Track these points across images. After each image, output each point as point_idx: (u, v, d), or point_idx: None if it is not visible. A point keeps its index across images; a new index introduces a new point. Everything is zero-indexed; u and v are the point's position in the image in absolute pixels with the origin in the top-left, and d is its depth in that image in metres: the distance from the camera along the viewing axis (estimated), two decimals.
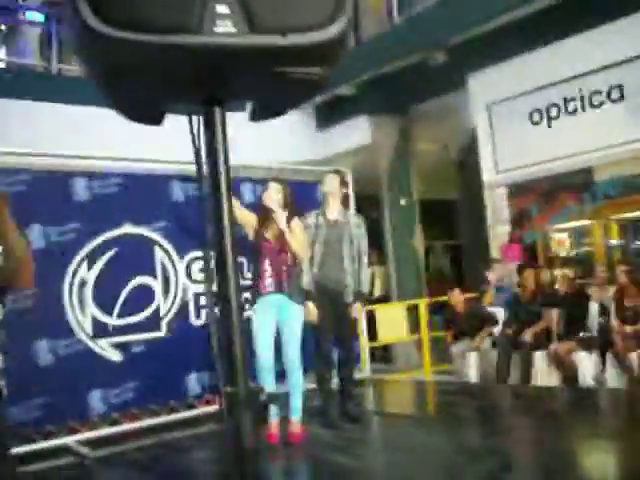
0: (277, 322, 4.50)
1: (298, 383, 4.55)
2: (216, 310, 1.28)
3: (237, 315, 1.20)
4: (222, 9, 1.03)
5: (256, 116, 1.28)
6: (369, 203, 9.71)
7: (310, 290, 4.79)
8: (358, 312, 5.18)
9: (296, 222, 4.55)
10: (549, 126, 7.74)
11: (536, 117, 7.84)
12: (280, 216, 4.47)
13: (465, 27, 7.75)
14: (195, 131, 1.24)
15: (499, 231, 8.40)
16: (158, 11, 1.01)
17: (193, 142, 1.26)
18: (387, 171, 9.67)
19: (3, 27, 10.17)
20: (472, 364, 7.17)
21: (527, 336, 6.60)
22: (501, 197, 8.39)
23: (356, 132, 9.40)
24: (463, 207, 11.47)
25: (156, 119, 1.25)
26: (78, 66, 9.48)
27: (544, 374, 6.47)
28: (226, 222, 1.20)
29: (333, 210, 5.04)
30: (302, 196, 5.45)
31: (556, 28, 7.19)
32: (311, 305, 4.73)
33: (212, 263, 1.26)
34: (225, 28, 1.02)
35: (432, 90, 8.76)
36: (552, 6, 6.99)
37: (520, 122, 7.95)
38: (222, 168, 1.20)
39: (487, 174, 8.38)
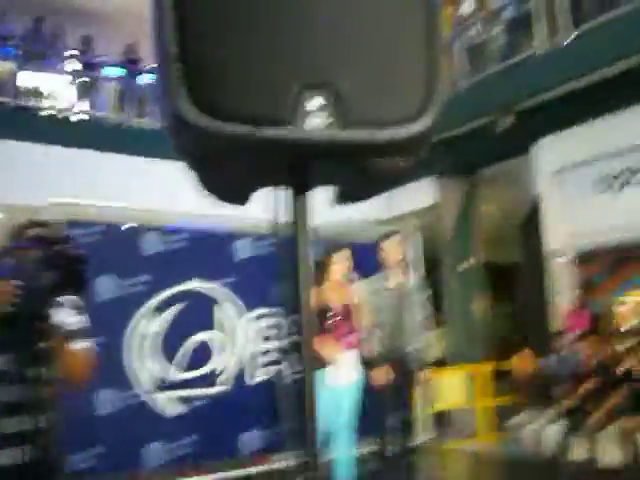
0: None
1: (348, 447, 4.55)
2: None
3: (310, 376, 1.20)
4: (317, 103, 1.05)
5: (339, 200, 1.30)
6: (431, 264, 9.65)
7: (374, 356, 4.77)
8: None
9: (356, 289, 4.63)
10: (617, 195, 7.59)
11: (603, 185, 7.71)
12: (354, 290, 4.58)
13: (534, 92, 7.74)
14: (275, 204, 1.26)
15: (561, 299, 8.21)
16: (253, 103, 1.04)
17: (273, 219, 1.28)
18: (451, 232, 9.61)
19: (83, 80, 10.62)
20: (530, 436, 6.92)
21: (594, 420, 6.30)
22: (564, 265, 8.22)
23: (423, 193, 9.41)
24: (526, 272, 11.26)
25: (243, 200, 1.28)
26: (152, 119, 9.86)
27: (610, 452, 6.19)
28: (304, 297, 1.21)
29: (396, 275, 5.02)
30: (366, 257, 5.42)
31: (624, 95, 7.11)
32: (379, 371, 4.71)
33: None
34: (319, 122, 1.04)
35: (498, 154, 8.74)
36: (621, 73, 6.93)
37: (586, 190, 7.83)
38: (303, 249, 1.21)
39: (551, 241, 8.24)
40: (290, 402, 1.28)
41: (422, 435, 6.63)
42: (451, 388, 8.04)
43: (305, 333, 1.21)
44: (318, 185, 1.22)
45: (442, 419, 9.16)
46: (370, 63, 1.08)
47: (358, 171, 1.16)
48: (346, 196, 1.30)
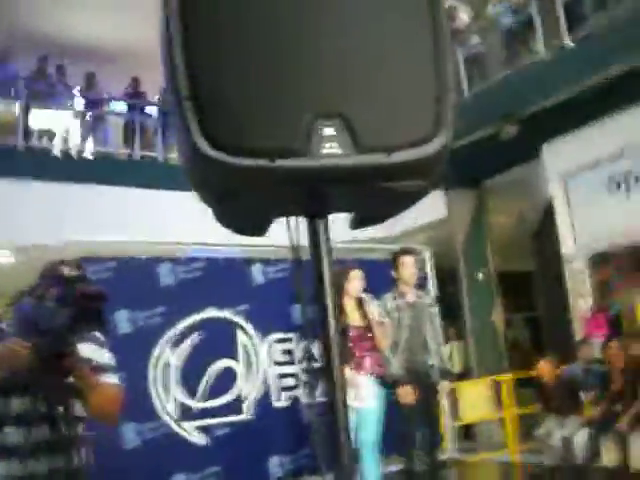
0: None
1: (374, 467, 4.56)
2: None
3: (342, 398, 1.20)
4: (329, 131, 1.07)
5: (355, 225, 1.31)
6: (445, 277, 9.62)
7: (400, 374, 4.75)
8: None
9: (377, 308, 4.62)
10: (628, 194, 7.56)
11: (613, 186, 7.68)
12: (373, 307, 4.58)
13: (536, 98, 7.75)
14: (293, 232, 1.28)
15: (580, 303, 8.15)
16: (267, 136, 1.05)
17: (291, 244, 1.30)
18: (463, 244, 9.60)
19: (88, 117, 10.74)
20: (560, 444, 6.85)
21: (624, 423, 6.23)
22: (580, 268, 8.17)
23: (431, 207, 9.41)
24: (541, 278, 11.21)
25: (261, 231, 1.29)
26: (158, 153, 9.96)
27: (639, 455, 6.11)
28: (330, 319, 1.22)
29: (411, 292, 5.02)
30: (375, 275, 5.40)
31: (629, 95, 7.10)
32: (406, 388, 4.69)
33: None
34: (331, 149, 1.06)
35: (505, 162, 8.73)
36: (626, 73, 6.93)
37: (597, 191, 7.80)
38: (327, 275, 1.22)
39: (565, 245, 8.21)
40: (317, 425, 1.29)
41: (450, 449, 6.58)
42: (475, 400, 7.98)
43: (335, 356, 1.22)
44: (334, 211, 1.23)
45: (469, 432, 9.10)
46: (378, 88, 1.10)
47: (374, 196, 1.17)
48: (362, 220, 1.31)
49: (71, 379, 2.34)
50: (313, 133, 1.06)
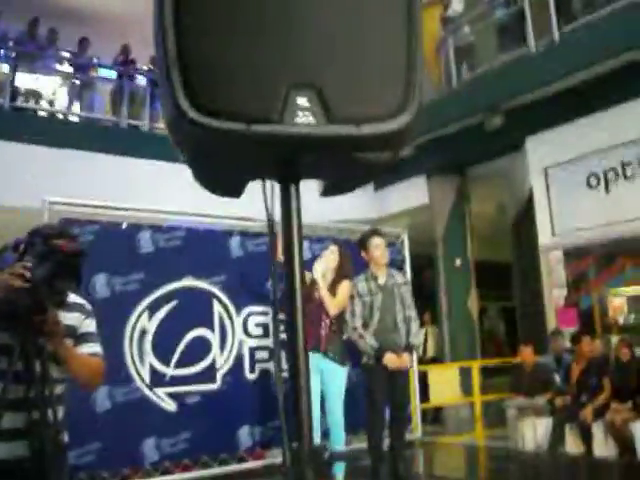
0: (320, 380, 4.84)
1: (339, 442, 4.74)
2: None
3: (304, 372, 1.27)
4: (302, 102, 1.13)
5: (326, 192, 1.39)
6: (424, 263, 9.74)
7: (380, 347, 4.83)
8: (406, 361, 4.98)
9: (345, 284, 4.80)
10: (607, 191, 7.69)
11: (593, 181, 7.80)
12: (321, 283, 4.93)
13: (523, 91, 7.85)
14: (268, 197, 1.35)
15: (555, 294, 8.30)
16: (245, 102, 1.12)
17: (266, 207, 1.38)
18: (443, 231, 9.71)
19: (77, 82, 10.68)
20: (527, 430, 7.01)
21: (587, 414, 6.38)
22: (557, 260, 8.31)
23: (413, 192, 9.51)
24: (518, 269, 11.37)
25: (236, 192, 1.36)
26: (145, 122, 9.94)
27: (601, 445, 6.29)
28: (298, 288, 1.28)
29: (382, 273, 5.05)
30: (355, 255, 5.49)
31: (614, 92, 7.21)
32: (390, 354, 4.80)
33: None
34: (305, 119, 1.13)
35: (489, 152, 8.83)
36: (611, 71, 7.03)
37: (577, 186, 7.92)
38: (296, 238, 1.30)
39: (543, 237, 8.34)
40: (284, 397, 1.35)
41: (418, 430, 6.71)
42: (446, 384, 8.13)
43: (299, 326, 1.28)
44: (305, 178, 1.31)
45: (438, 416, 9.27)
46: (352, 64, 1.17)
47: (343, 165, 1.24)
48: (332, 188, 1.38)
49: (49, 343, 2.37)
50: (288, 102, 1.12)
